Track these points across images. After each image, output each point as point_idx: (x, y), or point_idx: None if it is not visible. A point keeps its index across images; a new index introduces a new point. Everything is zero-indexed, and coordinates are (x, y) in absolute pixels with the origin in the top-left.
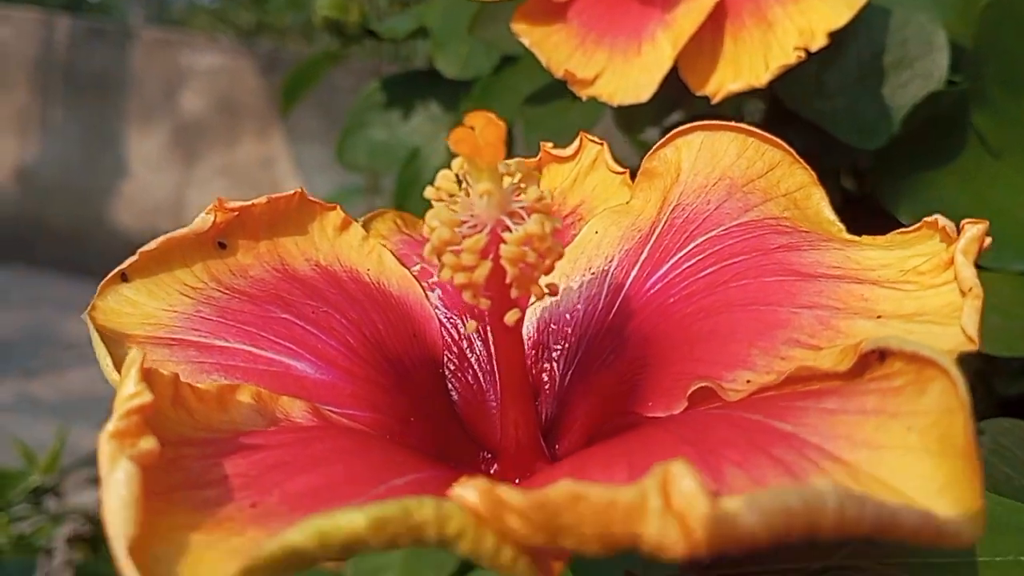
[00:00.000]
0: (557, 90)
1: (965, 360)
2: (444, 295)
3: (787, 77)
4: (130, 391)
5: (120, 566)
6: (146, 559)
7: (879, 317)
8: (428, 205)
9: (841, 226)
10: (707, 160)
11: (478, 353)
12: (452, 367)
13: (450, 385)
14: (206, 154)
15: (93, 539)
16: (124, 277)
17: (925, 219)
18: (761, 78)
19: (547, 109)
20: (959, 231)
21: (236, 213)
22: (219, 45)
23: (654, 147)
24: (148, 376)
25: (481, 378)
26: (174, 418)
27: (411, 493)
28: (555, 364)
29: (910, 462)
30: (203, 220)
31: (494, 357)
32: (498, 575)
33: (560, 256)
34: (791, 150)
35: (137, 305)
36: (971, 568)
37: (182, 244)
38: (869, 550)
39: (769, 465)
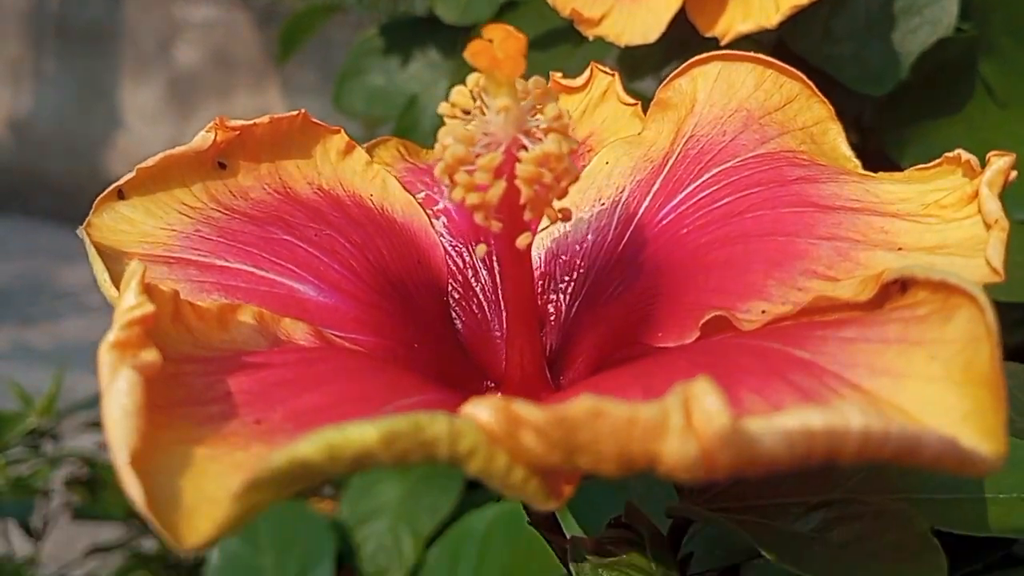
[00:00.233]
0: (559, 36)
1: None
2: (449, 222)
3: (795, 21)
4: (130, 303)
5: (121, 477)
6: (148, 471)
7: (900, 249)
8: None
9: (857, 162)
10: (723, 91)
11: (483, 282)
12: (457, 295)
13: (454, 314)
14: (201, 107)
15: (90, 482)
16: (121, 194)
17: (946, 154)
18: (772, 19)
19: (549, 55)
20: (984, 165)
21: (237, 132)
22: None
23: (668, 77)
24: (149, 291)
25: (486, 307)
26: (174, 335)
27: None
28: (562, 295)
29: (932, 391)
30: (203, 138)
31: (500, 286)
32: (508, 495)
33: (576, 179)
34: (809, 83)
35: (134, 223)
36: (975, 504)
37: (181, 162)
38: (872, 484)
39: (788, 391)
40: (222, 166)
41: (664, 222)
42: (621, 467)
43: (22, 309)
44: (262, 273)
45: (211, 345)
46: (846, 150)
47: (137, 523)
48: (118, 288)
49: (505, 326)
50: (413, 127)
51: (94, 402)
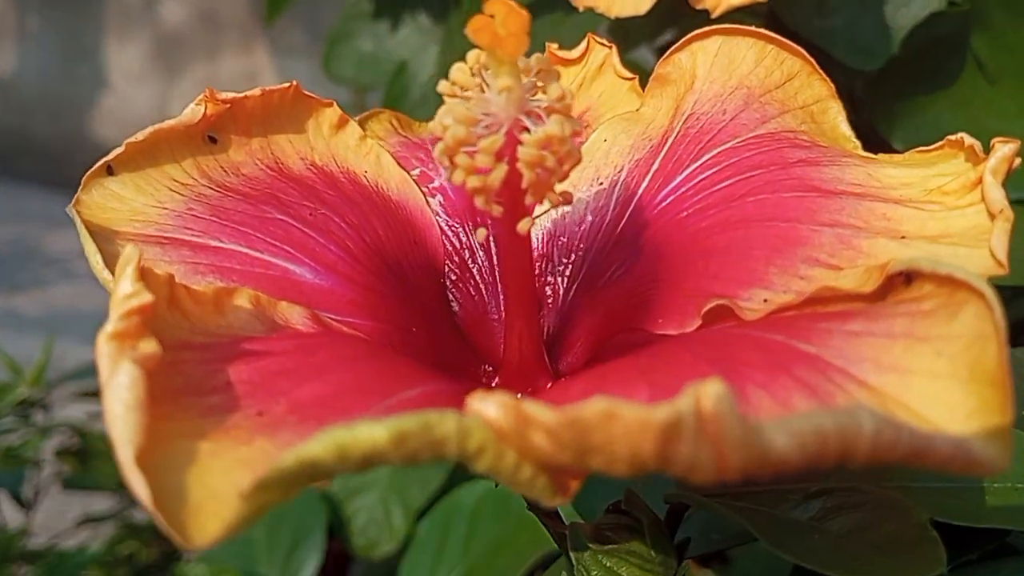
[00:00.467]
0: (551, 2)
1: None
2: (446, 201)
3: None
4: (127, 291)
5: (125, 474)
6: (152, 467)
7: (903, 238)
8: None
9: (857, 142)
10: (723, 67)
11: (481, 263)
12: (454, 277)
13: (451, 295)
14: (188, 67)
15: (80, 452)
16: (110, 170)
17: (948, 137)
18: None
19: (540, 23)
20: (988, 150)
21: (228, 105)
22: None
23: (668, 51)
24: (144, 276)
25: (483, 289)
26: (171, 321)
27: (423, 405)
28: (560, 278)
29: (939, 388)
30: (193, 111)
31: (497, 268)
32: (515, 491)
33: (579, 161)
34: (810, 59)
35: (124, 200)
36: (972, 494)
37: (171, 137)
38: (870, 472)
39: (794, 387)
40: (212, 140)
41: (663, 204)
42: (633, 468)
43: (10, 276)
44: (257, 254)
45: (208, 330)
46: (846, 129)
47: (128, 493)
48: (111, 270)
49: (503, 309)
50: (403, 94)
51: (84, 372)
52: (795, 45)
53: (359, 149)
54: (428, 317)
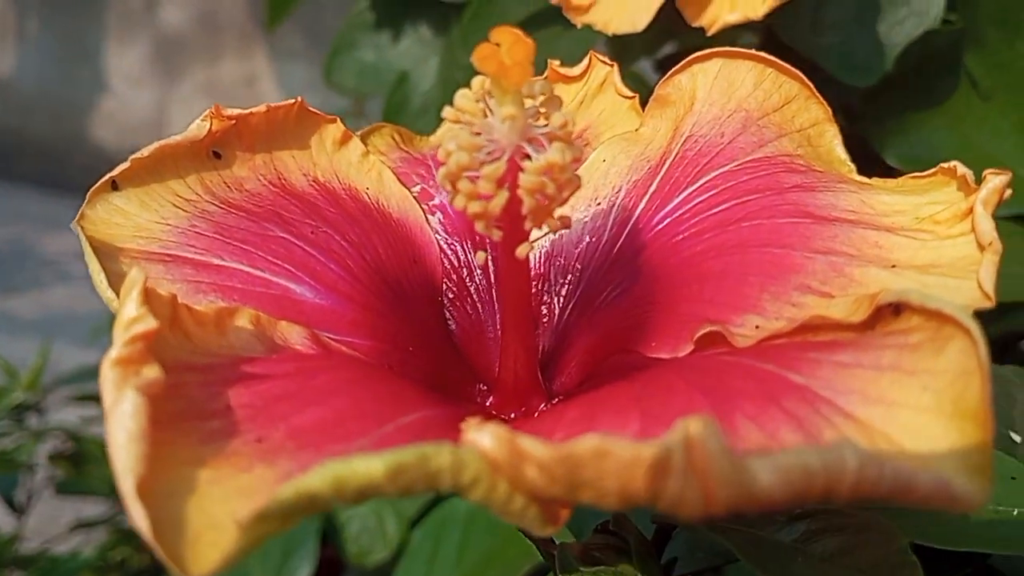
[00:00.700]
0: (550, 16)
1: None
2: (445, 219)
3: (783, 10)
4: (132, 314)
5: (127, 504)
6: (153, 496)
7: (893, 267)
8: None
9: (852, 166)
10: (723, 90)
11: (478, 282)
12: (451, 295)
13: (448, 314)
14: (187, 70)
15: (74, 456)
16: (115, 185)
17: (941, 164)
18: (758, 10)
19: (539, 36)
20: (979, 181)
21: (233, 122)
22: None
23: (669, 73)
24: (148, 296)
25: (480, 308)
26: (173, 342)
27: (420, 432)
28: (556, 297)
29: (923, 422)
30: (198, 127)
31: (495, 287)
32: (506, 520)
33: (578, 187)
34: (808, 83)
35: (129, 216)
36: (953, 518)
37: (175, 152)
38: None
39: (782, 419)
40: (217, 156)
41: (660, 226)
42: (622, 502)
43: (6, 277)
44: (258, 273)
45: (210, 351)
46: (841, 153)
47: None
48: (115, 289)
49: (500, 330)
50: (403, 104)
51: (79, 376)
52: (793, 69)
53: (361, 166)
54: (426, 335)
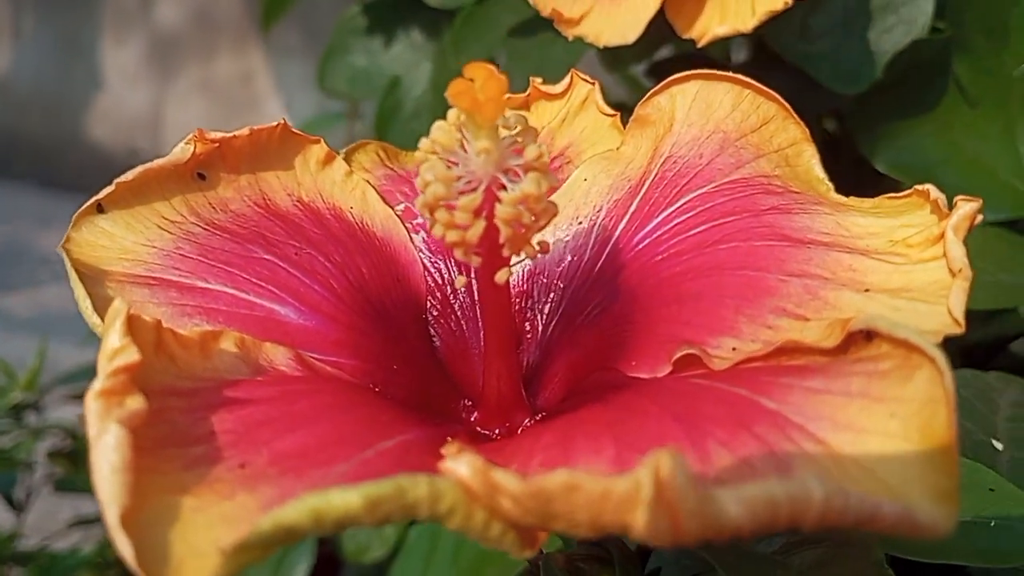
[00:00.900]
0: (541, 23)
1: None
2: (429, 237)
3: (773, 18)
4: (115, 345)
5: (112, 534)
6: (137, 526)
7: (867, 290)
8: (408, 135)
9: (830, 185)
10: (701, 111)
11: (461, 299)
12: (435, 313)
13: (432, 331)
14: (183, 68)
15: (72, 454)
16: (100, 208)
17: (916, 187)
18: (747, 23)
19: (531, 43)
20: (951, 206)
21: (216, 144)
22: None
23: (648, 93)
24: (132, 323)
25: (464, 325)
26: (158, 366)
27: (400, 456)
28: (539, 313)
29: (890, 449)
30: (182, 150)
31: (478, 305)
32: (485, 545)
33: (555, 215)
34: (786, 104)
35: (114, 238)
36: None
37: (160, 175)
38: None
39: (753, 445)
40: (202, 177)
41: (640, 246)
42: (594, 532)
43: (2, 276)
44: (242, 295)
45: (194, 375)
46: (819, 172)
47: None
48: (100, 314)
49: (483, 348)
50: (396, 109)
51: (77, 374)
52: (770, 91)
53: (345, 185)
54: (410, 353)
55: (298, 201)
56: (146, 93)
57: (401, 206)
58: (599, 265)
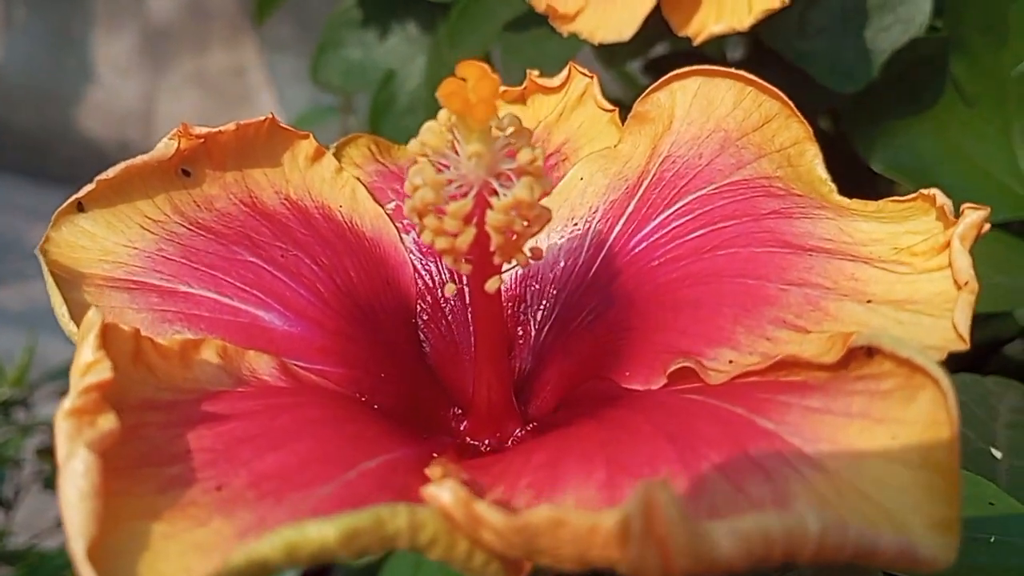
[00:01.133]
0: (537, 17)
1: None
2: (419, 238)
3: (770, 16)
4: (88, 359)
5: (77, 565)
6: (104, 557)
7: (869, 301)
8: (402, 130)
9: (832, 186)
10: (702, 108)
11: (452, 303)
12: (426, 317)
13: (423, 336)
14: (176, 60)
15: None
16: (80, 207)
17: (921, 191)
18: (744, 21)
19: (526, 36)
20: (958, 214)
21: (202, 140)
22: None
23: (648, 89)
24: (107, 334)
25: (455, 329)
26: (136, 378)
27: (384, 477)
28: (532, 318)
29: (891, 474)
30: (166, 146)
31: (470, 310)
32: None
33: (548, 221)
34: (788, 101)
35: (95, 239)
36: None
37: (143, 172)
38: None
39: (749, 470)
40: (186, 174)
41: (636, 251)
42: (581, 566)
43: None
44: (226, 300)
45: (174, 386)
46: (822, 172)
47: None
48: (77, 321)
49: (474, 355)
50: (390, 103)
51: (67, 370)
52: (773, 88)
53: (335, 182)
54: (399, 360)
55: (286, 199)
56: (138, 85)
57: (392, 204)
58: (594, 269)
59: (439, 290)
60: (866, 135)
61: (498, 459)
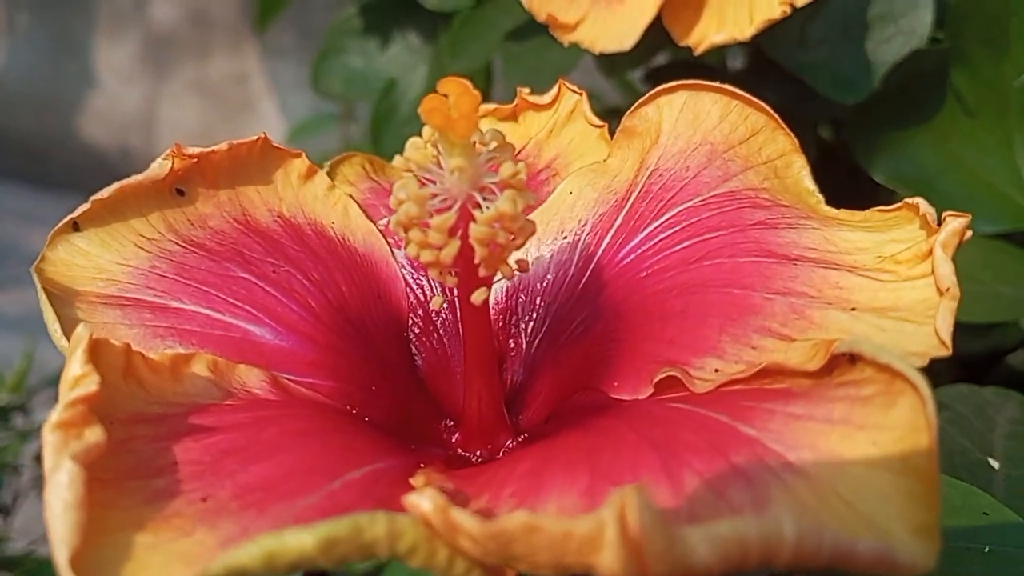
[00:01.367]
0: (538, 27)
1: None
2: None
3: (771, 27)
4: (76, 373)
5: (61, 575)
6: (88, 568)
7: (853, 309)
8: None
9: (820, 196)
10: (688, 122)
11: (444, 317)
12: (417, 330)
13: (414, 349)
14: (177, 67)
15: None
16: (76, 226)
17: (906, 200)
18: (745, 31)
19: (527, 46)
20: (940, 222)
21: (195, 160)
22: None
23: (635, 104)
24: (97, 349)
25: (446, 341)
26: (126, 392)
27: (368, 488)
28: (523, 330)
29: (871, 479)
30: (160, 166)
31: (460, 321)
32: None
33: (532, 233)
34: (775, 114)
35: (90, 257)
36: None
37: (137, 191)
38: None
39: (730, 476)
40: (180, 193)
41: (624, 262)
42: (558, 572)
43: None
44: (218, 315)
45: (164, 399)
46: (809, 184)
47: None
48: (69, 338)
49: (464, 368)
50: (391, 112)
51: None
52: (759, 101)
53: (327, 199)
54: (390, 373)
55: (278, 216)
56: (140, 92)
57: (384, 220)
58: (583, 281)
59: (430, 304)
60: (868, 146)
61: (484, 469)
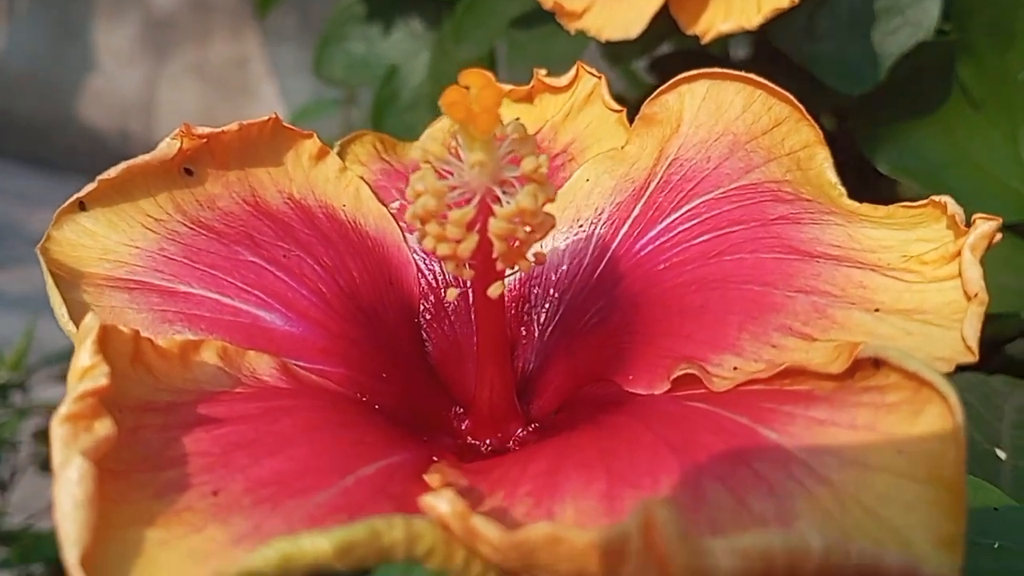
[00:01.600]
0: (543, 14)
1: None
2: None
3: (777, 18)
4: (85, 364)
5: (71, 573)
6: (99, 565)
7: (877, 310)
8: (405, 126)
9: (842, 190)
10: (711, 112)
11: (456, 303)
12: (428, 316)
13: (425, 335)
14: (177, 51)
15: None
16: (82, 206)
17: (932, 197)
18: (752, 20)
19: (532, 34)
20: (969, 223)
21: (204, 140)
22: None
23: (656, 91)
24: (105, 336)
25: (457, 329)
26: (134, 378)
27: (382, 484)
28: (536, 318)
29: (896, 488)
30: (168, 146)
31: (473, 310)
32: None
33: (552, 227)
34: (799, 104)
35: (96, 237)
36: None
37: (145, 171)
38: None
39: (752, 483)
40: (189, 173)
41: (642, 253)
42: None
43: None
44: (227, 300)
45: (173, 387)
46: (832, 176)
47: None
48: (76, 320)
49: (476, 357)
50: (393, 98)
51: (64, 354)
52: (783, 91)
53: (339, 182)
54: (401, 359)
55: (289, 198)
56: (140, 75)
57: (396, 204)
58: (599, 271)
59: (442, 290)
60: (872, 136)
61: (497, 463)
